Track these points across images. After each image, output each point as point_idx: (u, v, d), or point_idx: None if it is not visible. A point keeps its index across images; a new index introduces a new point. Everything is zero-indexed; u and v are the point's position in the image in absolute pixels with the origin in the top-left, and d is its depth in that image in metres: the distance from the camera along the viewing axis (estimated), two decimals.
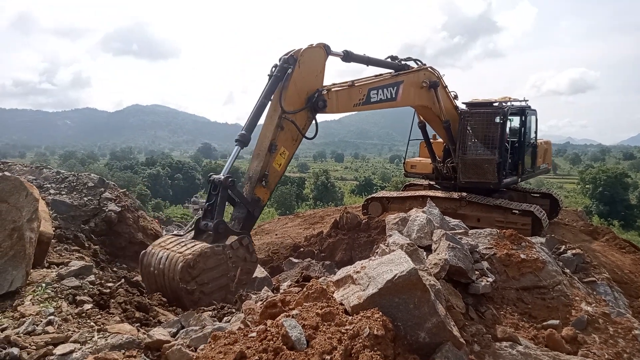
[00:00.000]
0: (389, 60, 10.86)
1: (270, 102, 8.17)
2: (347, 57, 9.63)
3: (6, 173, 5.29)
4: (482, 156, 11.53)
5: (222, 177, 7.20)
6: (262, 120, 8.30)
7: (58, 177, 9.35)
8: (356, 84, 9.58)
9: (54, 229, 6.89)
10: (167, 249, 6.56)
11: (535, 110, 12.81)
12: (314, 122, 8.74)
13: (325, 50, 8.84)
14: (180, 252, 6.36)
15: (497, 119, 11.56)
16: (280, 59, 8.27)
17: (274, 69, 8.25)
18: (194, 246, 6.49)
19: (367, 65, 10.23)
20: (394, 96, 10.35)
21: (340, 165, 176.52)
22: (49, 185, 8.92)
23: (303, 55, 8.37)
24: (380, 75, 10.46)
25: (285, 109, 8.02)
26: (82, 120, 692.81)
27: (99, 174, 9.10)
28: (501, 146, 11.39)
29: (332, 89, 9.04)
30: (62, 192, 8.74)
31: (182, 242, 6.76)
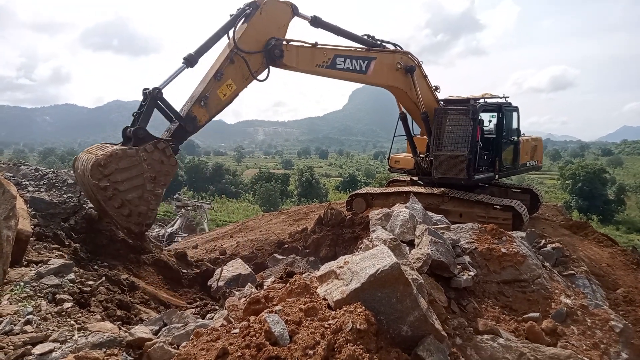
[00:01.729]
0: (365, 37, 10.90)
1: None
2: (315, 22, 9.74)
3: None
4: (453, 152, 11.61)
5: (152, 88, 7.60)
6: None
7: (37, 174, 9.16)
8: (320, 46, 9.65)
9: (32, 226, 6.75)
10: (90, 153, 7.01)
11: (515, 107, 12.90)
12: (267, 69, 8.95)
13: (291, 8, 9.16)
14: (95, 154, 6.78)
15: (469, 115, 11.60)
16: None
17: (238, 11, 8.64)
18: (108, 149, 6.92)
19: (337, 36, 10.28)
20: (363, 69, 10.40)
21: (325, 162, 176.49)
22: (27, 183, 8.73)
23: (267, 5, 8.71)
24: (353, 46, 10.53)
25: (239, 46, 8.33)
26: (62, 117, 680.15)
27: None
28: (472, 142, 11.43)
29: (292, 42, 9.19)
30: (41, 190, 8.57)
31: (104, 147, 7.15)
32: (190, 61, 8.23)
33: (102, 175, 6.63)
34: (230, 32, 8.45)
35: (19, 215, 5.57)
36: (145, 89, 7.72)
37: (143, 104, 7.66)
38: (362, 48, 10.62)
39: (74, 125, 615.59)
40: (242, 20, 8.69)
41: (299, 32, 9.54)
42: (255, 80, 8.82)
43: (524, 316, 5.28)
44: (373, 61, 10.54)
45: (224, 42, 8.65)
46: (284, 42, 8.99)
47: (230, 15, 8.63)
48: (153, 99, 7.55)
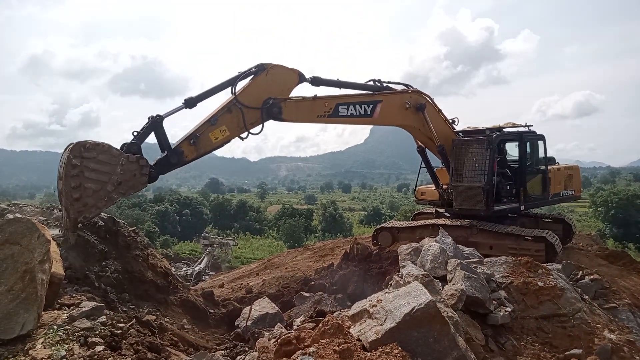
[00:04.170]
0: (370, 83, 11.05)
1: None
2: (315, 81, 10.07)
3: (17, 215, 5.32)
4: (471, 183, 11.45)
5: (156, 114, 8.31)
6: None
7: None
8: (320, 98, 9.90)
9: (64, 269, 6.86)
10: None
11: (540, 136, 12.66)
12: (262, 125, 9.34)
13: (298, 76, 9.64)
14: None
15: (485, 146, 11.46)
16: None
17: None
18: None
19: (340, 88, 10.50)
20: (369, 113, 10.49)
21: (348, 196, 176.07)
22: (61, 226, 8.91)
23: (274, 68, 9.24)
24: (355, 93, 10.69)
25: (238, 99, 8.81)
26: None
27: (107, 212, 9.16)
28: (489, 173, 11.26)
29: (290, 99, 9.51)
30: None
31: None
32: (189, 103, 8.79)
33: (80, 155, 7.13)
34: (234, 86, 8.95)
35: (52, 258, 5.69)
36: (150, 115, 8.40)
37: (145, 126, 8.34)
38: (366, 93, 10.73)
39: None
40: (249, 78, 9.15)
41: (299, 92, 9.92)
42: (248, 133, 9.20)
43: (566, 353, 5.04)
44: (379, 104, 10.63)
45: (227, 93, 9.08)
46: (282, 100, 9.35)
47: (239, 72, 9.11)
48: (153, 122, 8.25)
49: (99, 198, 7.42)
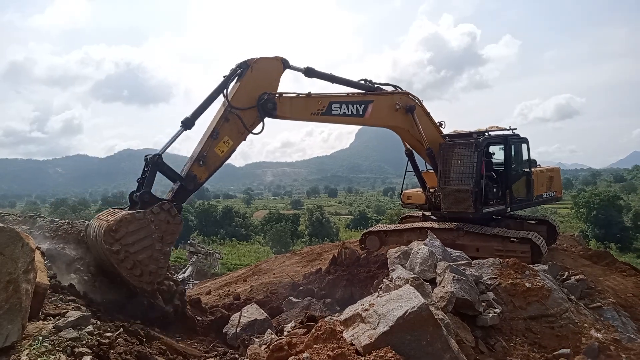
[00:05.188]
0: (362, 82, 11.14)
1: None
2: (309, 72, 10.11)
3: (0, 224, 5.19)
4: (459, 186, 11.58)
5: (152, 155, 8.10)
6: None
7: (52, 225, 9.20)
8: (314, 95, 9.95)
9: (49, 278, 6.72)
10: (101, 219, 7.40)
11: (524, 139, 12.86)
12: (262, 123, 9.28)
13: (282, 62, 9.53)
14: (107, 220, 7.17)
15: (472, 149, 11.59)
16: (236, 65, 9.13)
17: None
18: (118, 214, 7.33)
19: (332, 83, 10.61)
20: (361, 112, 10.63)
21: (334, 200, 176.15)
22: (45, 234, 8.75)
23: (257, 63, 9.15)
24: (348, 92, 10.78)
25: (232, 104, 8.72)
26: (73, 167, 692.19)
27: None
28: (477, 176, 11.40)
29: (285, 95, 9.51)
30: (58, 241, 8.56)
31: (114, 212, 7.55)
32: (187, 124, 8.73)
33: (114, 240, 7.01)
34: (225, 91, 8.87)
35: (37, 268, 5.56)
36: (146, 155, 8.21)
37: (146, 169, 8.11)
38: (358, 93, 10.83)
39: (85, 175, 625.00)
40: (235, 79, 9.07)
41: (294, 83, 9.97)
42: (251, 134, 9.17)
43: (554, 353, 5.10)
44: (370, 104, 10.78)
45: (219, 101, 9.01)
46: (277, 95, 9.32)
47: (224, 77, 9.04)
48: (154, 164, 8.01)
49: (156, 260, 7.45)
